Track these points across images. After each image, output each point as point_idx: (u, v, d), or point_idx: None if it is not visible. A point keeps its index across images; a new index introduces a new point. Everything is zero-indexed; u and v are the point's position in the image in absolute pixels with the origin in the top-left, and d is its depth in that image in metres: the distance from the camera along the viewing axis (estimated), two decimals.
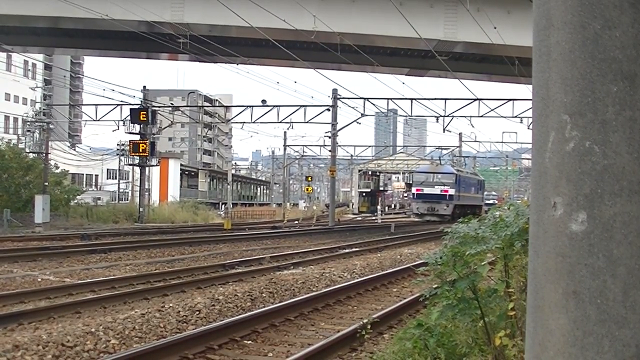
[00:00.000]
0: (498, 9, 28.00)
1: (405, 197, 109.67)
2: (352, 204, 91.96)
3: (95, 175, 78.69)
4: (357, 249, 26.13)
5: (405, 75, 39.59)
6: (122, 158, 59.83)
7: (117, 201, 63.26)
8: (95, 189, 74.65)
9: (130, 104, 45.01)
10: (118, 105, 45.21)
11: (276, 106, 44.32)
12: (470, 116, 44.67)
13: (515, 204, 6.32)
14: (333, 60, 33.17)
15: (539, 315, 1.78)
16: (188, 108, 57.89)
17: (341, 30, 28.80)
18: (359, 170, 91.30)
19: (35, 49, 44.44)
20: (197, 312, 11.30)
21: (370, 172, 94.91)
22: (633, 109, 1.67)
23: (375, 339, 9.51)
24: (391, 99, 44.36)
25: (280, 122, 45.10)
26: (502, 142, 72.10)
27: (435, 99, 44.53)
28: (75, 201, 48.43)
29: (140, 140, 44.44)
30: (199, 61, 36.28)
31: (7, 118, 77.87)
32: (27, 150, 46.30)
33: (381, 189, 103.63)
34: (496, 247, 5.00)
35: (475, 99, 42.22)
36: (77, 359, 8.41)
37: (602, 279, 1.67)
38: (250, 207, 79.86)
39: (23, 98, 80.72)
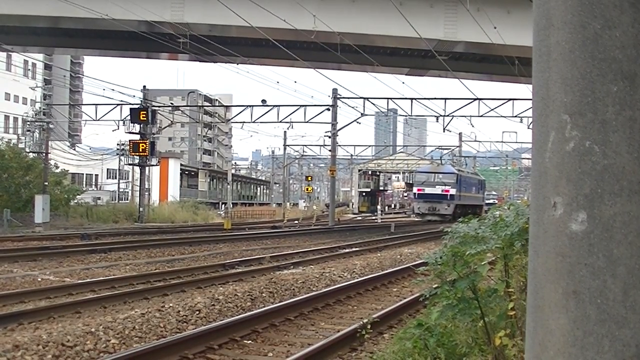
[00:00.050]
0: (498, 8, 28.00)
1: (405, 196, 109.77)
2: (352, 204, 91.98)
3: (95, 175, 78.71)
4: (357, 249, 26.13)
5: (405, 75, 39.60)
6: (122, 158, 59.85)
7: (117, 201, 63.27)
8: (95, 189, 74.67)
9: (130, 104, 45.04)
10: (118, 105, 45.24)
11: (276, 106, 44.34)
12: (470, 116, 44.71)
13: (515, 203, 6.32)
14: (333, 60, 33.17)
15: (539, 315, 1.78)
16: (188, 108, 57.92)
17: (341, 30, 28.80)
18: (359, 170, 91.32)
19: (35, 48, 44.44)
20: (197, 312, 11.30)
21: (370, 172, 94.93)
22: (633, 108, 1.67)
23: (375, 339, 9.51)
24: (391, 98, 44.38)
25: (280, 121, 45.16)
26: (502, 141, 72.15)
27: (435, 98, 44.55)
28: (75, 201, 48.43)
29: (140, 140, 44.44)
30: (199, 61, 36.29)
31: (7, 118, 77.87)
32: (27, 150, 46.28)
33: (381, 188, 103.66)
34: (496, 247, 5.00)
35: (475, 99, 42.23)
36: (77, 358, 8.41)
37: (602, 279, 1.67)
38: (250, 207, 79.88)
39: (23, 98, 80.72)
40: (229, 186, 55.95)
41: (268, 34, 27.67)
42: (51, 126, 47.30)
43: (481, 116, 42.71)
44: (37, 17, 30.97)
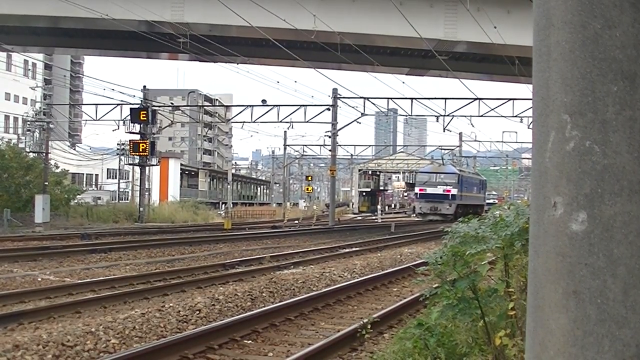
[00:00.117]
0: (498, 8, 28.00)
1: (406, 196, 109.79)
2: (352, 204, 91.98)
3: (96, 174, 78.72)
4: (357, 249, 26.13)
5: (406, 74, 39.61)
6: (122, 158, 59.85)
7: (117, 201, 63.28)
8: (96, 189, 74.68)
9: (131, 104, 45.05)
10: (118, 104, 45.24)
11: (276, 106, 44.34)
12: (471, 116, 44.68)
13: (515, 203, 6.32)
14: (333, 59, 33.18)
15: (539, 315, 1.78)
16: (188, 108, 57.91)
17: (341, 30, 28.80)
18: (359, 170, 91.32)
19: (35, 48, 44.45)
20: (197, 312, 11.31)
21: (370, 172, 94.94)
22: (633, 108, 1.67)
23: (376, 339, 9.51)
24: (391, 98, 44.37)
25: (281, 121, 45.14)
26: (502, 141, 72.15)
27: (436, 98, 44.54)
28: (76, 201, 48.44)
29: (140, 139, 44.45)
30: (199, 61, 36.30)
31: (7, 118, 77.87)
32: (27, 150, 46.28)
33: (381, 188, 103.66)
34: (496, 247, 5.00)
35: (475, 99, 42.22)
36: (77, 358, 8.41)
37: (602, 279, 1.67)
38: (250, 207, 79.89)
39: (23, 98, 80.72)
40: (229, 186, 55.95)
41: (268, 33, 27.67)
42: (51, 126, 47.31)
43: (481, 116, 42.70)
44: (37, 17, 30.97)
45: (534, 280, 1.81)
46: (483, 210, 55.14)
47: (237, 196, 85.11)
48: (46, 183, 41.42)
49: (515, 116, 42.36)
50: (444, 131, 52.10)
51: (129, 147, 46.04)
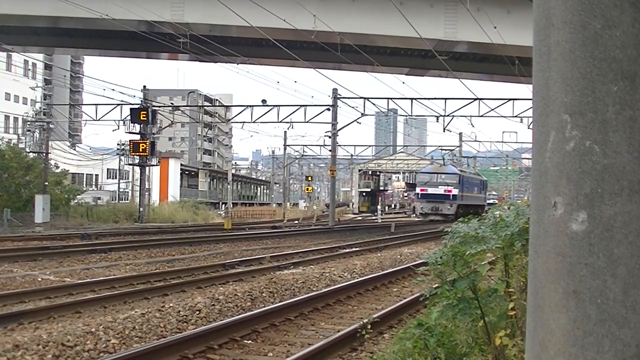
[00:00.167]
0: (498, 8, 28.00)
1: (406, 196, 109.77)
2: (352, 204, 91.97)
3: (96, 175, 78.71)
4: (357, 249, 26.13)
5: (406, 74, 39.60)
6: (122, 158, 59.85)
7: (117, 201, 63.28)
8: (96, 189, 74.67)
9: (131, 104, 45.05)
10: (118, 105, 45.24)
11: (276, 106, 44.33)
12: (471, 116, 44.68)
13: (515, 203, 6.32)
14: (333, 60, 33.18)
15: (539, 315, 1.78)
16: (188, 108, 57.91)
17: (341, 30, 28.80)
18: (359, 170, 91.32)
19: (35, 48, 44.47)
20: (197, 312, 11.31)
21: (370, 172, 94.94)
22: (633, 108, 1.67)
23: (376, 339, 9.51)
24: (391, 98, 44.37)
25: (281, 121, 45.14)
26: (502, 141, 72.17)
27: (436, 98, 44.55)
28: (76, 201, 48.44)
29: (140, 140, 44.45)
30: (199, 61, 36.30)
31: (7, 118, 77.87)
32: (27, 150, 46.28)
33: (381, 188, 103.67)
34: (496, 247, 5.00)
35: (475, 99, 42.22)
36: (78, 358, 8.41)
37: (602, 279, 1.67)
38: (250, 207, 79.89)
39: (23, 98, 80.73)
40: (229, 186, 55.97)
41: (268, 33, 27.68)
42: (51, 126, 47.32)
43: (481, 116, 42.71)
44: (37, 17, 30.98)
45: (534, 280, 1.81)
46: (484, 210, 55.20)
47: (237, 196, 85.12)
48: (46, 183, 41.43)
49: (516, 116, 42.37)
50: (444, 131, 52.19)
51: (129, 147, 46.03)
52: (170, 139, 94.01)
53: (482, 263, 5.40)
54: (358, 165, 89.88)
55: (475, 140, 69.88)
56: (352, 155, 76.33)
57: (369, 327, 7.85)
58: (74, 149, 73.41)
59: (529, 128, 40.08)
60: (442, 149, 67.49)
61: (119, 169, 66.82)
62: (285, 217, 56.21)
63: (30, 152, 45.71)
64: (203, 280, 16.00)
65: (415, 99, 43.40)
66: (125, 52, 40.20)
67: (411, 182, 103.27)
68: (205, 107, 72.06)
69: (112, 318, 10.38)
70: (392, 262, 20.87)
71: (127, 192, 67.86)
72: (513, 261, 5.69)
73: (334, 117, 46.22)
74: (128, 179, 67.40)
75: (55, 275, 16.95)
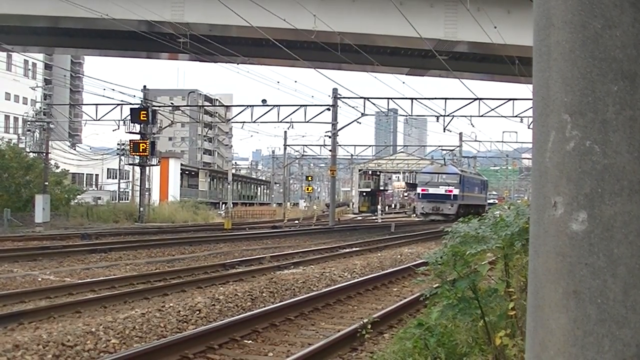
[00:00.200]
0: (498, 8, 28.00)
1: (406, 196, 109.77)
2: (353, 204, 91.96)
3: (96, 174, 78.71)
4: (357, 249, 26.13)
5: (406, 74, 39.60)
6: (122, 158, 59.85)
7: (117, 201, 63.25)
8: (96, 189, 74.67)
9: (131, 104, 45.05)
10: (118, 104, 45.24)
11: (276, 106, 44.34)
12: (471, 116, 44.68)
13: (515, 203, 6.32)
14: (333, 59, 33.18)
15: (539, 315, 1.78)
16: (188, 108, 57.91)
17: (341, 30, 28.80)
18: (359, 170, 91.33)
19: (35, 48, 44.47)
20: (198, 312, 11.31)
21: (370, 172, 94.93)
22: (633, 108, 1.67)
23: (376, 339, 9.51)
24: (391, 98, 44.37)
25: (281, 121, 45.15)
26: (502, 141, 72.17)
27: (436, 98, 44.55)
28: (76, 201, 48.44)
29: (140, 139, 44.45)
30: (199, 61, 36.29)
31: (7, 118, 77.87)
32: (28, 149, 46.29)
33: (381, 188, 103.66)
34: (496, 247, 5.00)
35: (475, 99, 42.22)
36: (78, 358, 8.41)
37: (602, 279, 1.67)
38: (250, 207, 79.87)
39: (23, 97, 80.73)
40: (229, 186, 55.98)
41: (268, 33, 27.67)
42: (51, 126, 47.32)
43: (481, 116, 42.71)
44: (37, 17, 30.98)
45: (534, 280, 1.81)
46: (484, 210, 55.28)
47: (237, 196, 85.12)
48: (46, 183, 41.43)
49: (516, 116, 42.37)
50: (444, 131, 52.20)
51: (129, 147, 46.04)
52: (170, 138, 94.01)
53: (482, 263, 5.40)
54: (358, 165, 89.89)
55: (476, 140, 69.97)
56: (352, 155, 76.37)
57: (369, 327, 7.85)
58: (74, 149, 73.41)
59: (529, 128, 40.09)
60: (442, 149, 67.53)
61: (119, 169, 66.82)
62: (285, 217, 56.20)
63: (31, 152, 45.72)
64: (203, 280, 15.99)
65: (415, 98, 43.42)
66: (126, 52, 40.20)
67: (411, 182, 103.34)
68: (205, 107, 72.04)
69: (112, 318, 10.38)
70: (392, 262, 20.87)
71: (127, 192, 67.87)
72: (513, 261, 5.70)
73: (334, 117, 46.21)
74: (128, 178, 67.40)
75: (56, 275, 16.95)
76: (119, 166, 65.31)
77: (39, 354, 8.24)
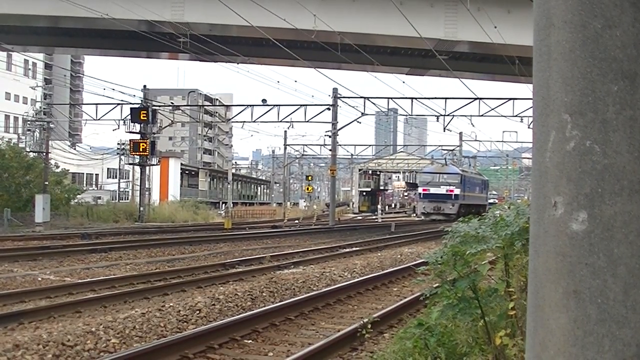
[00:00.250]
0: (498, 8, 28.00)
1: (406, 196, 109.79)
2: (353, 203, 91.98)
3: (96, 174, 78.71)
4: (357, 249, 26.13)
5: (406, 74, 39.61)
6: (122, 157, 59.86)
7: (117, 200, 63.27)
8: (96, 188, 74.67)
9: (131, 103, 45.08)
10: (118, 104, 45.25)
11: (276, 105, 44.36)
12: (471, 115, 44.69)
13: (515, 203, 6.32)
14: (333, 59, 33.18)
15: (539, 315, 1.78)
16: (188, 107, 57.93)
17: (341, 30, 28.80)
18: (360, 170, 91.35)
19: (35, 48, 44.48)
20: (198, 312, 11.31)
21: (370, 172, 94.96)
22: (633, 108, 1.67)
23: (376, 339, 9.51)
24: (391, 98, 44.38)
25: (281, 121, 45.16)
26: (502, 141, 72.19)
27: (436, 98, 44.56)
28: (76, 200, 48.44)
29: (140, 139, 44.46)
30: (200, 60, 36.30)
31: (7, 117, 77.90)
32: (28, 149, 46.30)
33: (381, 188, 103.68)
34: (496, 247, 5.00)
35: (475, 98, 42.22)
36: (78, 358, 8.41)
37: (602, 279, 1.67)
38: (250, 207, 79.86)
39: (23, 97, 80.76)
40: (229, 186, 55.97)
41: (268, 33, 27.67)
42: (51, 126, 47.33)
43: (481, 116, 42.72)
44: (37, 17, 30.98)
45: (534, 279, 1.81)
46: (485, 209, 55.37)
47: (237, 196, 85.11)
48: (46, 183, 41.44)
49: (516, 116, 42.38)
50: (444, 131, 52.29)
51: (129, 146, 46.05)
52: (170, 138, 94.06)
53: (483, 263, 5.40)
54: (358, 164, 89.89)
55: (476, 140, 70.01)
56: (352, 154, 76.39)
57: (369, 326, 7.85)
58: (74, 149, 73.41)
59: (529, 128, 40.09)
60: (442, 149, 67.56)
61: (119, 169, 66.83)
62: (285, 217, 56.19)
63: (31, 151, 45.73)
64: (203, 280, 15.99)
65: (415, 98, 43.42)
66: (126, 52, 40.20)
67: (411, 181, 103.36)
68: (205, 107, 72.07)
69: (113, 318, 10.38)
70: (392, 262, 20.87)
71: (128, 191, 67.88)
72: (513, 261, 5.69)
73: (334, 117, 46.22)
74: (128, 178, 67.41)
75: (56, 274, 16.96)
76: (119, 166, 65.32)
77: (39, 354, 8.24)
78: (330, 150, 50.18)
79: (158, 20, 28.12)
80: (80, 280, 15.76)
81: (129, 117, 44.20)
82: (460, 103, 43.23)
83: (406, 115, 51.10)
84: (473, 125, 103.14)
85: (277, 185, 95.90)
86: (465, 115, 45.17)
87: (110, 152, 68.85)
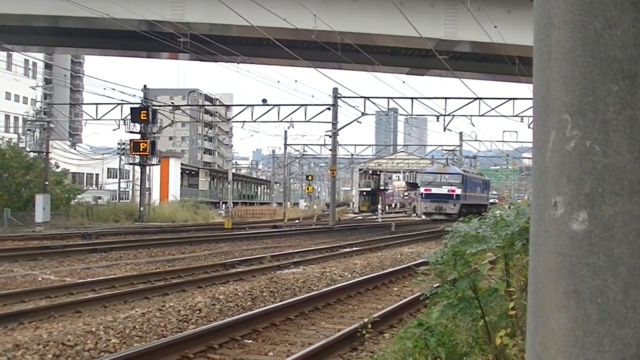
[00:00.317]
0: (498, 8, 28.00)
1: (406, 196, 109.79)
2: (353, 203, 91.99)
3: (96, 174, 78.71)
4: (357, 248, 26.12)
5: (406, 74, 39.62)
6: (122, 157, 59.86)
7: (117, 200, 63.26)
8: (96, 188, 74.66)
9: (131, 103, 45.07)
10: (118, 104, 45.27)
11: (277, 105, 44.36)
12: (471, 115, 44.70)
13: (515, 203, 6.31)
14: (333, 59, 33.19)
15: (539, 315, 1.78)
16: (188, 107, 57.90)
17: (342, 30, 28.80)
18: (360, 170, 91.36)
19: (35, 48, 44.50)
20: (198, 312, 11.31)
21: (370, 171, 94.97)
22: (634, 108, 1.67)
23: (376, 338, 9.51)
24: (392, 98, 44.36)
25: (281, 121, 45.16)
26: (502, 141, 72.18)
27: (436, 98, 44.58)
28: (76, 200, 48.44)
29: (140, 139, 44.46)
30: (200, 60, 36.31)
31: (7, 117, 77.91)
32: (28, 149, 46.28)
33: (382, 188, 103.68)
34: (497, 247, 5.00)
35: (475, 98, 42.22)
36: (78, 358, 8.41)
37: (602, 278, 1.67)
38: (250, 207, 79.86)
39: (23, 97, 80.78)
40: (229, 185, 55.93)
41: (269, 33, 27.67)
42: (52, 125, 47.33)
43: (482, 115, 42.72)
44: (37, 17, 30.98)
45: (535, 279, 1.81)
46: (486, 209, 55.45)
47: (238, 196, 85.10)
48: (46, 182, 41.44)
49: (516, 116, 42.38)
50: (444, 131, 52.42)
51: (129, 146, 46.05)
52: (170, 138, 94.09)
53: (483, 262, 5.40)
54: (358, 164, 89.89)
55: (476, 140, 70.01)
56: (352, 154, 76.37)
57: (370, 326, 7.85)
58: (75, 149, 73.40)
59: (529, 127, 40.08)
60: (442, 149, 67.57)
61: (120, 169, 66.81)
62: (285, 217, 56.19)
63: (31, 151, 45.72)
64: (203, 280, 15.99)
65: (415, 98, 43.43)
66: (126, 52, 40.21)
67: (411, 181, 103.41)
68: (205, 107, 72.07)
69: (113, 317, 10.38)
70: (392, 262, 20.87)
71: (128, 191, 67.87)
72: (513, 261, 5.69)
73: (335, 117, 46.21)
74: (128, 178, 67.39)
75: (56, 274, 16.96)
76: (119, 166, 65.30)
77: (39, 354, 8.25)
78: (330, 150, 50.18)
79: (158, 20, 28.12)
80: (80, 280, 15.76)
81: (129, 117, 44.20)
82: (461, 103, 43.27)
83: (406, 115, 51.08)
84: (473, 125, 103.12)
85: (278, 185, 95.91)
86: (466, 115, 45.22)
87: (110, 152, 68.86)
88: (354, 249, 26.03)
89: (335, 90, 46.09)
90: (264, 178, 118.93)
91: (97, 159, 67.77)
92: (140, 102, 45.63)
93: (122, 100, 45.32)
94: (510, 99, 42.24)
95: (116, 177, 71.85)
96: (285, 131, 64.54)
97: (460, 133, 68.98)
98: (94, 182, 78.42)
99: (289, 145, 68.48)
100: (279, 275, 16.49)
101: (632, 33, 1.68)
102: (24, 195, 41.52)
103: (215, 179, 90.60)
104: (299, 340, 9.90)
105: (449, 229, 5.41)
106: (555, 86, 1.76)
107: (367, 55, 30.82)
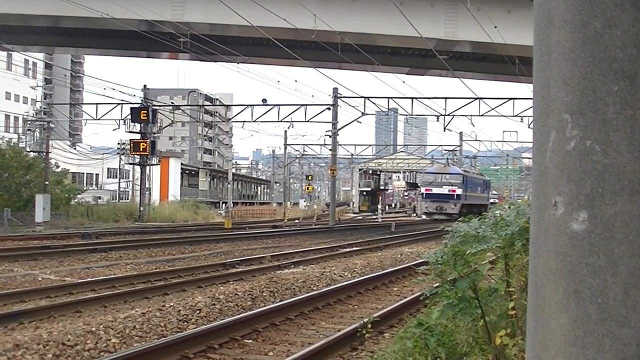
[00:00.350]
0: (498, 8, 28.00)
1: (406, 196, 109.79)
2: (353, 203, 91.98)
3: (96, 174, 78.69)
4: (357, 248, 26.13)
5: (406, 74, 39.62)
6: (122, 157, 59.86)
7: (117, 200, 63.25)
8: (96, 188, 74.65)
9: (131, 103, 45.07)
10: (118, 104, 45.27)
11: (277, 105, 44.36)
12: (471, 115, 44.70)
13: (515, 203, 6.31)
14: (333, 59, 33.19)
15: (539, 315, 1.78)
16: (188, 107, 57.91)
17: (342, 30, 28.80)
18: (360, 169, 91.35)
19: (35, 47, 44.49)
20: (198, 311, 11.31)
21: (370, 171, 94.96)
22: (634, 108, 1.67)
23: (376, 338, 9.51)
24: (392, 97, 44.36)
25: (281, 121, 45.16)
26: (502, 141, 72.17)
27: (436, 97, 44.59)
28: (76, 200, 48.44)
29: (140, 139, 44.46)
30: (200, 60, 36.30)
31: (7, 117, 77.91)
32: (28, 149, 46.29)
33: (382, 188, 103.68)
34: (497, 246, 5.00)
35: (475, 98, 42.23)
36: (78, 358, 8.41)
37: (603, 278, 1.67)
38: (250, 206, 79.84)
39: (24, 97, 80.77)
40: (229, 185, 55.92)
41: (269, 33, 27.67)
42: (52, 125, 47.32)
43: (482, 115, 42.73)
44: (37, 16, 30.98)
45: (535, 279, 1.81)
46: (487, 209, 55.47)
47: (238, 195, 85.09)
48: (46, 182, 41.44)
49: (516, 116, 42.39)
50: (444, 131, 52.46)
51: (129, 146, 46.04)
52: (170, 138, 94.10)
53: (483, 262, 5.40)
54: (358, 164, 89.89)
55: (476, 140, 70.01)
56: (352, 154, 76.38)
57: (370, 326, 7.85)
58: (75, 149, 73.39)
59: (529, 127, 40.08)
60: (442, 149, 67.58)
61: (120, 169, 66.81)
62: (285, 217, 56.18)
63: (31, 151, 45.72)
64: (203, 280, 15.99)
65: (415, 98, 43.43)
66: (126, 52, 40.20)
67: (411, 181, 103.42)
68: (205, 107, 72.08)
69: (113, 317, 10.38)
70: (392, 262, 20.87)
71: (128, 191, 67.86)
72: (513, 261, 5.69)
73: (335, 117, 46.21)
74: (128, 178, 67.39)
75: (56, 274, 16.96)
76: (119, 166, 65.30)
77: (39, 354, 8.25)
78: (330, 150, 50.17)
79: (158, 20, 28.12)
80: (80, 280, 15.76)
81: (129, 117, 44.20)
82: (461, 103, 43.27)
83: (406, 115, 51.06)
84: (473, 125, 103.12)
85: (278, 185, 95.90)
86: (466, 115, 45.22)
87: (110, 152, 68.86)
88: (354, 248, 26.04)
89: (335, 90, 46.09)
90: (264, 178, 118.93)
91: (97, 159, 67.77)
92: (140, 102, 45.63)
93: (122, 100, 45.39)
94: (510, 99, 42.25)
95: (116, 177, 71.84)
96: (285, 131, 64.63)
97: (460, 133, 69.02)
98: (94, 182, 78.41)
99: (289, 145, 68.51)
100: (279, 275, 16.49)
101: (632, 33, 1.68)
102: (24, 195, 41.52)
103: (215, 179, 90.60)
104: (299, 340, 9.90)
105: (449, 229, 5.41)
106: (556, 86, 1.76)
107: (367, 55, 30.82)
